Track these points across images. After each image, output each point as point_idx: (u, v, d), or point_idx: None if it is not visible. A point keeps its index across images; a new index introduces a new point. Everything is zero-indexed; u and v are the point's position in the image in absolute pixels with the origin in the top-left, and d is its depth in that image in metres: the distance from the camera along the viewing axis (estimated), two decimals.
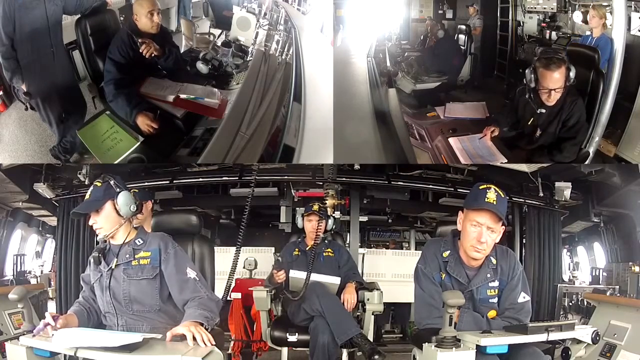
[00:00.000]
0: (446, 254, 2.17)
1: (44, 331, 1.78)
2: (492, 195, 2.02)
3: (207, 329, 1.83)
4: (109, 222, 2.12)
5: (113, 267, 2.09)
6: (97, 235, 2.16)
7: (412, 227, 6.61)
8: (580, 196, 4.42)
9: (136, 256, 2.12)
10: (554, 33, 4.13)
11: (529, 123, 2.90)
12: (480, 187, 2.07)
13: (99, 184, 2.14)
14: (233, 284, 4.32)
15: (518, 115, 2.98)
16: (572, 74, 2.65)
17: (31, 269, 4.98)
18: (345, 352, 2.99)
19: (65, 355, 1.66)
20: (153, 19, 2.92)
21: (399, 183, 4.34)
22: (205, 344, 1.71)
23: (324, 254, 3.41)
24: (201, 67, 3.35)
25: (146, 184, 4.26)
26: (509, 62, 4.43)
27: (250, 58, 3.49)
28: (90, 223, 2.14)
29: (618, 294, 3.67)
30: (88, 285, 2.21)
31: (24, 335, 1.72)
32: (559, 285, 4.34)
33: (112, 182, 2.14)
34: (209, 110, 3.03)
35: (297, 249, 3.49)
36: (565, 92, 2.72)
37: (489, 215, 2.02)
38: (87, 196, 2.15)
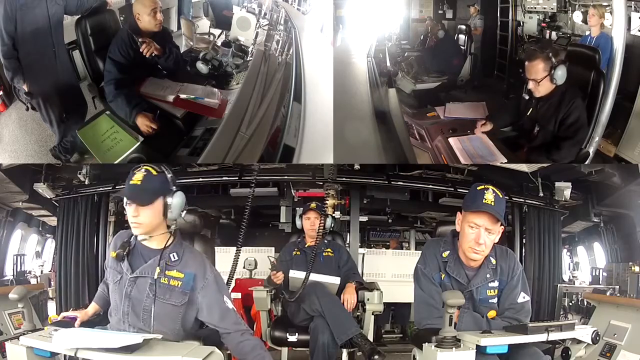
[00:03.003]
0: (446, 254, 2.17)
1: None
2: (489, 196, 2.01)
3: None
4: (153, 222, 1.86)
5: (137, 276, 1.87)
6: (115, 230, 1.96)
7: (412, 227, 6.60)
8: (580, 196, 4.42)
9: (167, 273, 1.88)
10: (554, 33, 4.14)
11: (528, 114, 2.96)
12: (478, 188, 2.06)
13: (154, 172, 1.86)
14: (233, 284, 4.35)
15: (520, 110, 3.03)
16: (559, 72, 2.70)
17: (31, 269, 4.98)
18: (345, 352, 2.99)
19: (65, 356, 1.66)
20: (156, 17, 2.91)
21: (399, 183, 4.33)
22: None
23: (324, 253, 3.41)
24: (201, 67, 3.35)
25: None
26: (509, 62, 4.45)
27: (250, 58, 3.49)
28: (131, 214, 1.84)
29: (618, 294, 3.67)
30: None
31: (24, 335, 1.72)
32: (559, 285, 4.34)
33: (169, 176, 1.89)
34: (209, 110, 3.04)
35: (296, 249, 3.49)
36: (563, 90, 2.76)
37: (486, 217, 2.01)
38: (135, 180, 1.83)
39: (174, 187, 1.89)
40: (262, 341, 2.08)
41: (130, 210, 1.85)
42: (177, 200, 1.87)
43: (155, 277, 1.86)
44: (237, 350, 1.93)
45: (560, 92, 2.78)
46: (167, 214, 1.86)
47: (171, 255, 1.91)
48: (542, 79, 2.75)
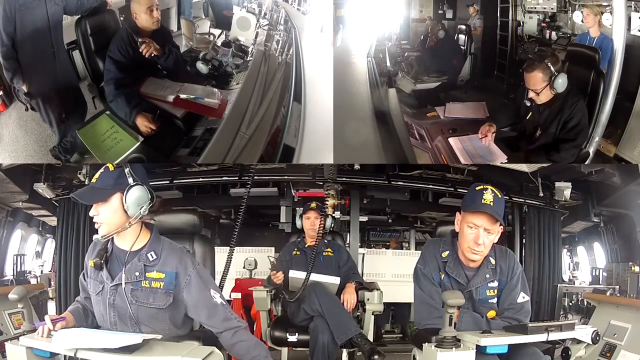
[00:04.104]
0: (445, 254, 2.17)
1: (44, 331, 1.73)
2: (489, 196, 2.01)
3: None
4: (113, 219, 1.78)
5: (118, 283, 1.79)
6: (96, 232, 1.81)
7: (412, 227, 6.61)
8: (580, 196, 4.42)
9: (147, 274, 1.79)
10: (554, 33, 4.13)
11: (527, 118, 2.96)
12: (477, 188, 2.06)
13: (111, 168, 1.80)
14: (233, 284, 4.35)
15: (521, 112, 3.02)
16: (559, 81, 2.70)
17: (31, 269, 4.97)
18: (345, 352, 2.99)
19: (65, 356, 1.66)
20: (153, 15, 2.91)
21: (399, 183, 4.34)
22: None
23: (324, 253, 3.41)
24: (201, 67, 3.34)
25: None
26: (509, 62, 4.44)
27: (250, 58, 3.48)
28: (91, 214, 1.79)
29: (618, 294, 3.67)
30: (85, 292, 1.97)
31: (24, 335, 1.72)
32: (559, 285, 4.34)
33: (126, 170, 1.79)
34: (209, 110, 3.03)
35: (296, 249, 3.49)
36: (565, 93, 2.75)
37: (485, 217, 2.01)
38: (93, 179, 1.79)
39: (133, 182, 1.78)
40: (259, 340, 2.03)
41: (92, 210, 1.80)
42: (133, 194, 1.76)
43: (124, 285, 1.78)
44: (234, 352, 1.88)
45: (562, 96, 2.78)
46: (126, 211, 1.77)
47: (149, 255, 1.82)
48: (542, 89, 2.75)
